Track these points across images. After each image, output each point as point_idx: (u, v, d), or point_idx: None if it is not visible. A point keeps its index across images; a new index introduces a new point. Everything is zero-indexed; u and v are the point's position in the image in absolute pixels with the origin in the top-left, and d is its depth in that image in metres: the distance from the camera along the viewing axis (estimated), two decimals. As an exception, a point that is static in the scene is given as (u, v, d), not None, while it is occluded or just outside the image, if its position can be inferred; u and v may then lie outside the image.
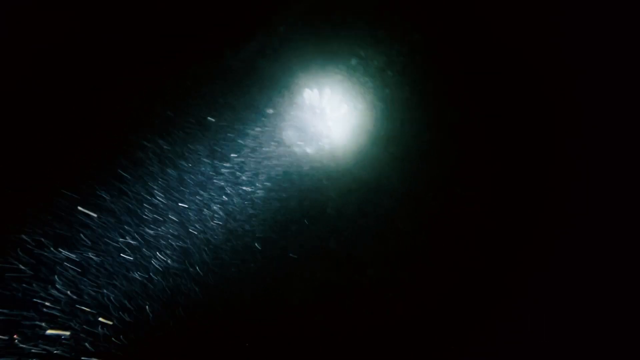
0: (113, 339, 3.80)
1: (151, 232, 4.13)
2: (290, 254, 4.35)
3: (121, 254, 4.01)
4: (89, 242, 3.92)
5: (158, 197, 4.21)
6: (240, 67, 4.55)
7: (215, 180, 4.42)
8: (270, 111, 4.69)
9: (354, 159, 4.73)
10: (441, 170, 4.65)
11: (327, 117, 4.83)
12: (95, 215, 3.98)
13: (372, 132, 4.82)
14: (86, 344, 3.72)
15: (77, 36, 4.22)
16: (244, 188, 4.49)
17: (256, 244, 4.37)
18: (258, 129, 4.63)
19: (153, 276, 4.06)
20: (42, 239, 3.77)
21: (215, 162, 4.43)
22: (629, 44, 4.34)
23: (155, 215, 4.18)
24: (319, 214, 4.52)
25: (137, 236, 4.09)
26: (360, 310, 4.24)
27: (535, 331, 4.12)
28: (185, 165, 4.31)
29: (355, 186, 4.62)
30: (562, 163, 4.51)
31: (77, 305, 3.80)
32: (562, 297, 4.15)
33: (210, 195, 4.37)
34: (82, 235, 3.91)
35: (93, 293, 3.86)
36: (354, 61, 4.99)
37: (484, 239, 4.44)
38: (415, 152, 4.73)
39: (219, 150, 4.48)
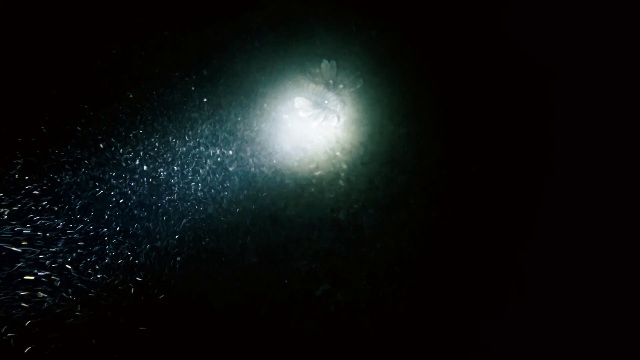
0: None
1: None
2: (299, 220, 4.33)
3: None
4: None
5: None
6: (257, 30, 4.48)
7: (223, 150, 4.39)
8: (286, 80, 4.64)
9: (368, 132, 4.66)
10: (455, 147, 4.58)
11: (342, 90, 4.76)
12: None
13: (388, 107, 4.74)
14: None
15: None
16: (253, 158, 4.45)
17: (263, 211, 4.36)
18: (272, 96, 4.58)
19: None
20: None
21: (226, 124, 4.40)
22: (611, 44, 4.35)
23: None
24: (330, 185, 4.47)
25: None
26: (366, 284, 4.22)
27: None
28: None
29: (367, 159, 4.56)
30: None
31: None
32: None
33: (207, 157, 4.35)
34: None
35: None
36: (373, 33, 4.90)
37: (495, 218, 4.39)
38: (430, 129, 4.66)
39: (232, 114, 4.44)
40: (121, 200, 4.05)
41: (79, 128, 4.10)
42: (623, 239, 4.14)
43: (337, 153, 4.59)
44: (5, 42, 4.09)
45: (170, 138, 4.27)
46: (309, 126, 4.62)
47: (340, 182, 4.50)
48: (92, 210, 3.95)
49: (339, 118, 4.59)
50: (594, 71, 4.48)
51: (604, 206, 4.25)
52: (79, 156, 4.03)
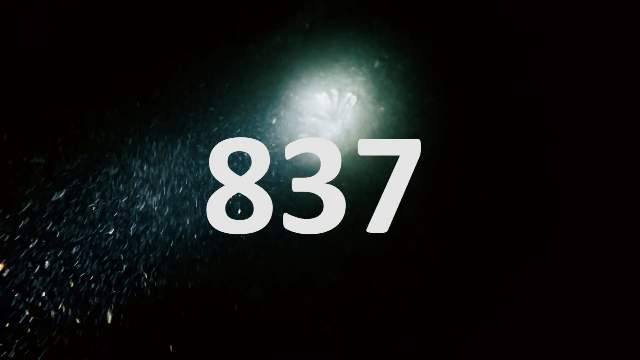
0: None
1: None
2: (304, 253, 4.24)
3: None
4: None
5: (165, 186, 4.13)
6: (263, 61, 4.49)
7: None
8: (290, 109, 4.63)
9: (373, 163, 4.63)
10: (464, 176, 4.54)
11: (348, 118, 4.75)
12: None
13: (392, 135, 4.73)
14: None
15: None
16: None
17: (266, 245, 4.28)
18: (275, 125, 4.56)
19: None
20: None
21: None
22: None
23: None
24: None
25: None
26: (375, 318, 4.11)
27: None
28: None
29: (373, 190, 4.51)
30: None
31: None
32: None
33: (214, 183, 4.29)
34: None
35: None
36: (377, 63, 4.93)
37: (505, 249, 4.32)
38: (437, 158, 4.63)
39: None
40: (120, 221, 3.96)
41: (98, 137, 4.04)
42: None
43: (342, 183, 4.54)
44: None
45: (172, 170, 4.22)
46: (313, 157, 4.58)
47: (346, 213, 4.44)
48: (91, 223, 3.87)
49: (347, 134, 4.58)
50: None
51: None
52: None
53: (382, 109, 4.81)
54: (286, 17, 4.60)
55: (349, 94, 4.77)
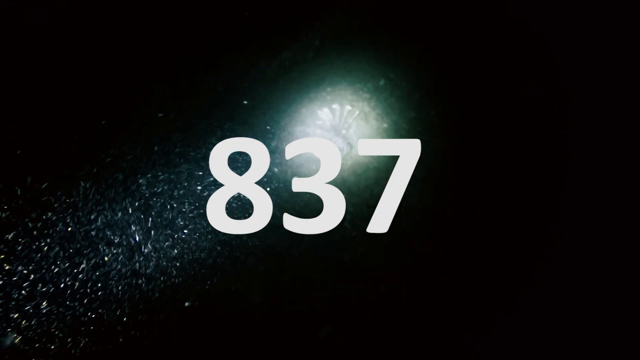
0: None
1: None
2: (303, 262, 4.35)
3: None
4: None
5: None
6: (272, 75, 4.69)
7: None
8: (297, 123, 4.81)
9: (374, 176, 4.77)
10: (462, 191, 4.67)
11: (351, 134, 4.91)
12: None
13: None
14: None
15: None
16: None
17: (268, 251, 4.40)
18: (282, 137, 4.73)
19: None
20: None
21: (236, 164, 4.52)
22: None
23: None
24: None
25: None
26: (370, 327, 4.20)
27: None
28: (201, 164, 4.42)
29: (373, 202, 4.65)
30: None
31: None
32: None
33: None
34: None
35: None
36: (382, 81, 5.12)
37: (503, 262, 4.41)
38: (436, 174, 4.77)
39: (241, 153, 4.57)
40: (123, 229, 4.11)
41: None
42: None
43: (344, 195, 4.68)
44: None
45: (169, 183, 4.38)
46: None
47: (346, 224, 4.57)
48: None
49: (351, 148, 4.73)
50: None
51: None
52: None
53: (385, 125, 4.97)
54: (298, 34, 4.81)
55: (353, 109, 4.94)
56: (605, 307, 3.92)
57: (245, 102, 4.61)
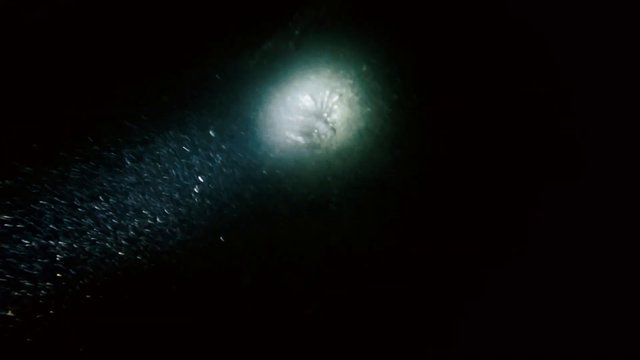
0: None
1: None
2: (291, 244, 4.54)
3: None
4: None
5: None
6: (253, 66, 4.84)
7: (214, 171, 4.67)
8: (280, 110, 4.96)
9: (359, 159, 4.92)
10: (445, 174, 4.80)
11: (335, 119, 5.06)
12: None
13: (379, 135, 5.02)
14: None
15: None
16: (246, 180, 4.72)
17: (255, 235, 4.59)
18: (266, 125, 4.89)
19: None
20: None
21: (217, 153, 4.70)
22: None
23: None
24: (322, 208, 4.70)
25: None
26: (354, 303, 4.38)
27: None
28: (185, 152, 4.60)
29: (358, 185, 4.80)
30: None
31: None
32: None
33: (207, 182, 4.62)
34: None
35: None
36: (364, 67, 5.24)
37: (486, 244, 4.56)
38: (420, 157, 4.91)
39: (227, 141, 4.74)
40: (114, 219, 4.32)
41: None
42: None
43: (329, 179, 4.84)
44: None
45: (169, 163, 4.57)
46: (303, 154, 4.90)
47: (332, 206, 4.74)
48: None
49: (334, 132, 4.88)
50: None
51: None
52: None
53: (368, 109, 5.11)
54: (278, 24, 4.94)
55: (336, 95, 5.08)
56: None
57: (228, 91, 4.78)
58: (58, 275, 4.03)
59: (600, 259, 4.29)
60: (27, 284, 3.95)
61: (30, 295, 3.94)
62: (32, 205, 4.07)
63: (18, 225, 4.00)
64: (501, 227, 4.59)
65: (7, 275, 3.90)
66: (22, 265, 3.95)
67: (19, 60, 4.40)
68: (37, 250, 4.01)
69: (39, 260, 4.00)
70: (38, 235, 4.04)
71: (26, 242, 4.00)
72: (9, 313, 3.83)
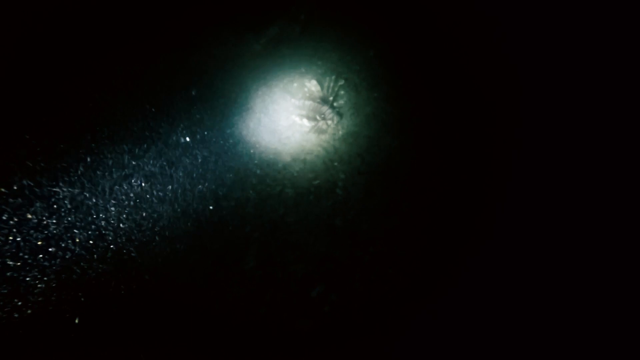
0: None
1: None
2: (297, 226, 4.54)
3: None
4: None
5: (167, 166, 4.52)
6: (261, 50, 4.88)
7: (227, 155, 4.71)
8: (287, 95, 4.98)
9: (365, 144, 4.90)
10: (447, 158, 4.76)
11: (342, 104, 5.05)
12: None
13: (385, 121, 5.00)
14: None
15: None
16: (253, 164, 4.74)
17: (261, 218, 4.60)
18: (273, 109, 4.91)
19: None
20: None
21: (230, 137, 4.73)
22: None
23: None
24: (328, 193, 4.70)
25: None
26: (359, 285, 4.35)
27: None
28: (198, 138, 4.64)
29: (364, 169, 4.79)
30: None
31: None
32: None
33: (213, 165, 4.66)
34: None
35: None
36: (371, 53, 5.23)
37: (486, 225, 4.51)
38: (424, 141, 4.87)
39: (235, 125, 4.77)
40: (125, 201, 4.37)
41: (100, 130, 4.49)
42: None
43: (335, 163, 4.83)
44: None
45: (168, 152, 4.61)
46: (309, 139, 4.91)
47: (338, 190, 4.73)
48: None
49: (341, 117, 4.88)
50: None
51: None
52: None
53: (375, 94, 5.10)
54: (283, 9, 4.97)
55: (342, 80, 5.08)
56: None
57: (235, 77, 4.82)
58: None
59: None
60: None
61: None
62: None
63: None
64: (506, 211, 4.53)
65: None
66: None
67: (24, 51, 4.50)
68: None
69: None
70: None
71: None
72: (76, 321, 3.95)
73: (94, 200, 4.23)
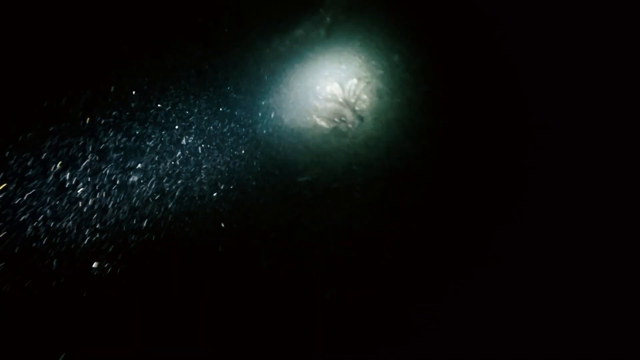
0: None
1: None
2: (314, 228, 4.55)
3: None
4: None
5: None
6: (285, 52, 4.90)
7: (241, 155, 4.75)
8: (308, 97, 5.00)
9: (385, 149, 4.88)
10: (468, 165, 4.70)
11: (364, 108, 5.04)
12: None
13: (406, 125, 4.97)
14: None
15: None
16: (271, 165, 4.77)
17: (278, 219, 4.62)
18: (294, 112, 4.94)
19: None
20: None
21: (244, 137, 4.77)
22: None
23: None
24: (346, 196, 4.69)
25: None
26: (375, 289, 4.34)
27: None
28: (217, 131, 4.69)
29: (383, 174, 4.76)
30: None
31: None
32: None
33: (234, 165, 4.70)
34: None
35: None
36: (395, 57, 5.20)
37: (507, 234, 4.44)
38: (446, 148, 4.82)
39: (252, 127, 4.81)
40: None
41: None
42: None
43: (354, 167, 4.82)
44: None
45: (187, 156, 4.67)
46: (329, 141, 4.91)
47: (355, 194, 4.71)
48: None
49: (362, 121, 4.87)
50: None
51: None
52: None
53: (397, 100, 5.07)
54: (308, 11, 4.99)
55: (365, 84, 5.07)
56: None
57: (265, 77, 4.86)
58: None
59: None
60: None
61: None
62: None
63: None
64: (524, 217, 4.46)
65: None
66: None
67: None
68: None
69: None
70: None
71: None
72: None
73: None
